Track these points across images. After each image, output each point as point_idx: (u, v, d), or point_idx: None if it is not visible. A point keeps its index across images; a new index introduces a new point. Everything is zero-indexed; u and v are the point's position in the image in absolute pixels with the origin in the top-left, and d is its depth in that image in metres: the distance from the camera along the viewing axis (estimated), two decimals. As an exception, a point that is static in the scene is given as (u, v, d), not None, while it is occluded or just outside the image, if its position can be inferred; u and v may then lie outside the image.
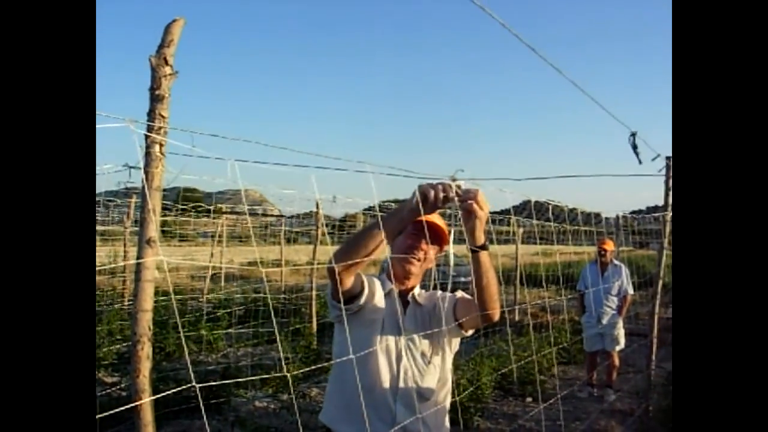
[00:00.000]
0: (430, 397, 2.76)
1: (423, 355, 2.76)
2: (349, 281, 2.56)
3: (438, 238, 2.80)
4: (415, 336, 2.75)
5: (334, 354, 2.85)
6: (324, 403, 2.90)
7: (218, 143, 2.53)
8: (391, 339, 2.72)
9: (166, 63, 2.66)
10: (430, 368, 2.77)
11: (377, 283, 2.79)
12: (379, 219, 2.39)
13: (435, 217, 2.74)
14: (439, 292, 2.91)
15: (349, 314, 2.59)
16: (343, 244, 2.55)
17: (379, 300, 2.75)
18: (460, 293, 2.92)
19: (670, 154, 6.65)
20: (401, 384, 2.69)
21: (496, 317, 2.59)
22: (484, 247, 2.48)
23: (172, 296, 6.71)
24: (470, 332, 2.87)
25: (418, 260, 2.80)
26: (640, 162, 5.78)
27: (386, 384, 2.67)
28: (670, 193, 6.84)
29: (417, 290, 2.91)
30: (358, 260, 2.42)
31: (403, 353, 2.71)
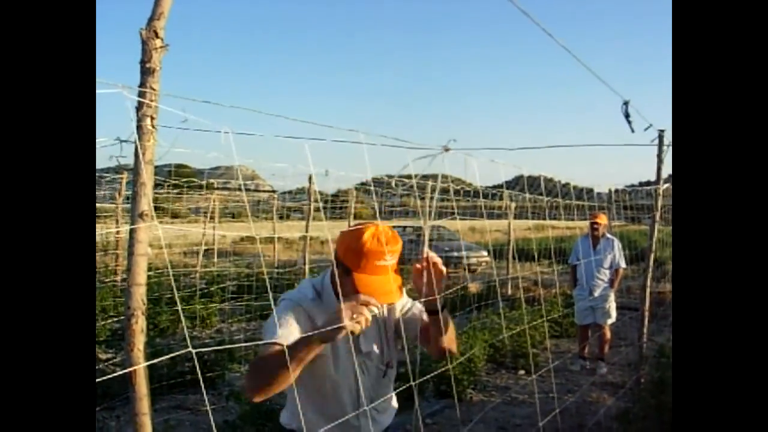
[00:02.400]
0: (388, 399, 2.83)
1: (378, 368, 2.76)
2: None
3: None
4: (371, 354, 2.73)
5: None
6: (284, 414, 2.85)
7: (211, 115, 2.51)
8: (345, 359, 2.62)
9: (157, 36, 2.63)
10: (386, 377, 2.80)
11: (303, 315, 2.57)
12: (287, 351, 2.20)
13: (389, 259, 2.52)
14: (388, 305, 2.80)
15: None
16: (251, 377, 2.41)
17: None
18: (417, 307, 2.82)
19: (662, 127, 6.66)
20: (361, 402, 2.66)
21: (457, 353, 2.75)
22: (441, 310, 2.55)
23: (170, 269, 6.71)
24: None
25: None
26: (632, 130, 5.77)
27: (346, 403, 2.66)
28: (662, 166, 6.85)
29: None
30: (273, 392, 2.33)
31: (359, 371, 2.64)
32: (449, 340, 2.67)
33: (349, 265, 2.49)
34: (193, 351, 1.83)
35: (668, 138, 6.71)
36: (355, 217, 19.94)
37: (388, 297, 2.46)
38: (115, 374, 1.90)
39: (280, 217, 20.74)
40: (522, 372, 8.41)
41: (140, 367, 2.57)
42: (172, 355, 2.46)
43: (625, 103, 5.56)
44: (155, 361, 2.09)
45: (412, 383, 2.58)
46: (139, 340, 2.59)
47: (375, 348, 2.74)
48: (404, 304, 2.85)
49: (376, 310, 2.28)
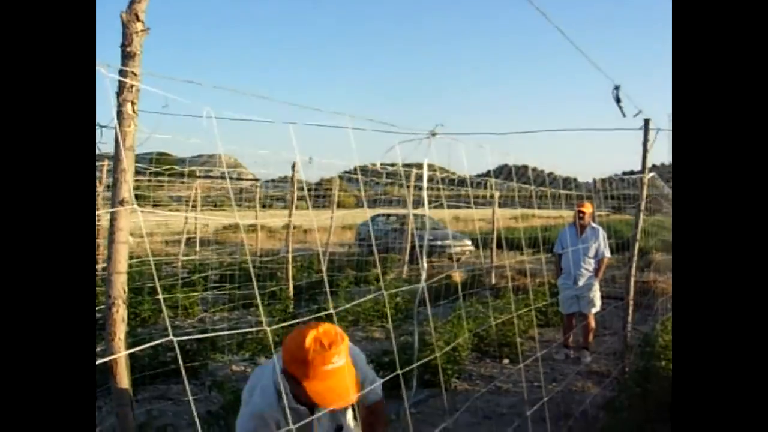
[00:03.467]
0: None
1: None
2: None
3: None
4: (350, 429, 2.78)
5: None
6: None
7: (193, 99, 2.44)
8: None
9: (138, 19, 2.58)
10: None
11: (271, 422, 2.56)
12: None
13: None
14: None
15: None
16: None
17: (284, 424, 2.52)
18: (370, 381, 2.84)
19: (649, 116, 6.66)
20: None
21: None
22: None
23: (150, 258, 6.62)
24: None
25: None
26: (624, 114, 5.79)
27: None
28: (647, 155, 6.84)
29: None
30: None
31: None
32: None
33: (297, 375, 2.43)
34: (174, 339, 1.77)
35: (654, 126, 6.71)
36: (339, 206, 19.90)
37: (343, 399, 2.45)
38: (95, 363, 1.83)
39: (263, 206, 20.63)
40: (506, 361, 8.41)
41: (121, 356, 2.52)
42: (153, 343, 2.38)
43: (616, 88, 5.57)
44: (136, 349, 2.01)
45: (398, 371, 2.52)
46: (120, 330, 2.54)
47: (352, 424, 2.78)
48: (363, 377, 2.80)
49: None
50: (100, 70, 1.86)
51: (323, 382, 2.40)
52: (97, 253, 12.21)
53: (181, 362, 2.23)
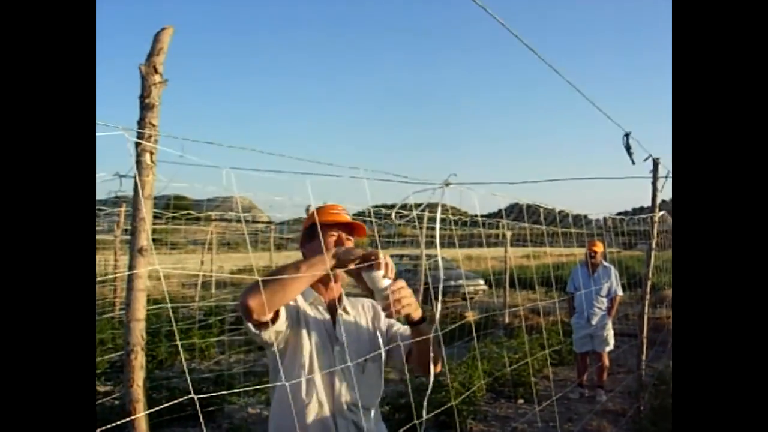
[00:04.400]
0: (367, 404, 2.67)
1: (357, 365, 2.64)
2: (264, 317, 2.36)
3: (355, 231, 2.78)
4: (347, 346, 2.63)
5: (270, 377, 2.74)
6: (269, 426, 2.71)
7: (209, 150, 2.54)
8: (323, 354, 2.60)
9: (156, 71, 2.66)
10: (365, 376, 2.68)
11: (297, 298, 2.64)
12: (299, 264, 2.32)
13: (343, 214, 2.76)
14: (367, 301, 2.88)
15: (273, 344, 2.50)
16: (255, 285, 2.30)
17: (303, 315, 2.63)
18: (397, 325, 2.85)
19: (658, 155, 6.71)
20: (338, 399, 2.59)
21: (440, 369, 2.70)
22: (424, 319, 2.53)
23: (168, 304, 6.69)
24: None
25: None
26: (633, 162, 5.81)
27: (324, 402, 2.57)
28: (658, 194, 6.89)
29: (344, 299, 2.82)
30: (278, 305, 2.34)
31: (337, 366, 2.59)
32: (434, 354, 2.59)
33: (309, 226, 2.69)
34: (196, 397, 1.83)
35: (664, 166, 6.76)
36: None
37: (353, 228, 2.72)
38: (117, 422, 1.88)
39: (277, 247, 20.69)
40: (522, 401, 8.37)
41: (140, 402, 2.57)
42: (173, 402, 2.41)
43: (626, 135, 5.60)
44: (155, 409, 2.06)
45: (416, 422, 2.55)
46: (139, 376, 2.59)
47: (352, 339, 2.67)
48: (391, 322, 2.85)
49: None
50: (124, 134, 1.94)
51: (333, 214, 2.69)
52: (114, 296, 12.33)
53: (200, 415, 2.29)
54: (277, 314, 2.41)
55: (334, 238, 2.68)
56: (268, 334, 2.43)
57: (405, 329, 2.75)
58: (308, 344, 2.57)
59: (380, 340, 2.71)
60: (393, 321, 2.82)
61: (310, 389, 2.55)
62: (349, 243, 2.71)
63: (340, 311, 2.71)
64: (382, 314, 2.83)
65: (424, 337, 2.53)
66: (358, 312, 2.82)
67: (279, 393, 2.55)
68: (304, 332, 2.58)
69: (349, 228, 2.71)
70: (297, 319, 2.59)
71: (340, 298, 2.77)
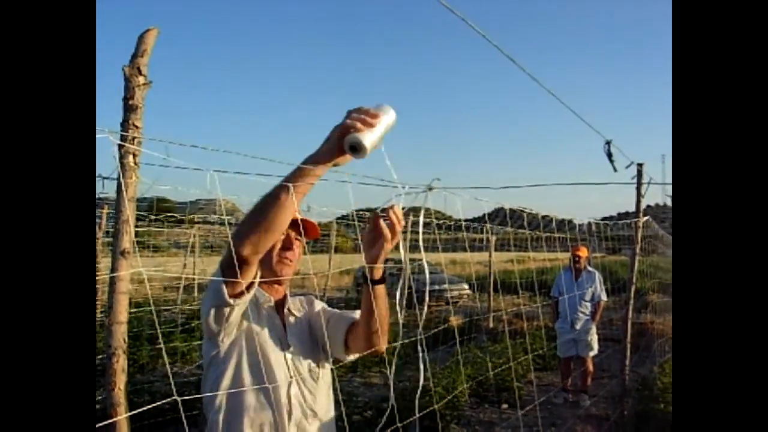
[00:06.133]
0: (323, 415, 2.45)
1: (311, 371, 2.43)
2: (251, 273, 2.09)
3: (307, 231, 2.48)
4: (300, 351, 2.43)
5: (209, 384, 2.34)
6: None
7: (193, 153, 2.50)
8: (276, 362, 2.33)
9: (140, 73, 2.64)
10: (319, 385, 2.46)
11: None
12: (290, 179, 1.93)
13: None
14: (310, 298, 2.67)
15: (232, 331, 2.25)
16: (244, 222, 2.03)
17: (254, 315, 2.35)
18: (337, 311, 2.65)
19: (641, 161, 6.75)
20: (294, 411, 2.34)
21: (384, 349, 2.45)
22: (383, 280, 2.36)
23: (152, 307, 6.65)
24: (351, 357, 2.60)
25: (292, 261, 2.48)
26: (615, 170, 5.87)
27: (279, 414, 2.31)
28: (642, 199, 6.93)
29: (289, 299, 2.56)
30: (269, 242, 2.05)
31: (292, 376, 2.36)
32: (384, 330, 2.37)
33: None
34: (179, 399, 1.80)
35: (647, 173, 6.80)
36: (336, 251, 19.90)
37: (305, 228, 2.42)
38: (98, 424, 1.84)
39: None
40: (505, 406, 8.37)
41: (122, 406, 2.54)
42: (154, 404, 2.33)
43: (608, 143, 5.65)
44: (137, 411, 2.02)
45: (398, 424, 2.48)
46: (120, 380, 2.56)
47: (303, 343, 2.46)
48: (324, 306, 2.65)
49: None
50: (108, 137, 1.92)
51: None
52: (96, 299, 12.23)
53: (183, 418, 2.24)
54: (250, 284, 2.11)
55: (283, 238, 2.42)
56: (238, 312, 2.17)
57: (341, 312, 2.60)
58: (260, 348, 2.28)
59: (323, 327, 2.49)
60: (326, 306, 2.65)
61: (266, 399, 2.29)
62: (298, 244, 2.48)
63: (287, 313, 2.50)
64: (318, 306, 2.62)
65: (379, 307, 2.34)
66: (302, 312, 2.58)
67: (231, 402, 2.27)
68: (257, 336, 2.32)
69: (298, 228, 2.39)
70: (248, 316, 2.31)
71: (284, 299, 2.54)
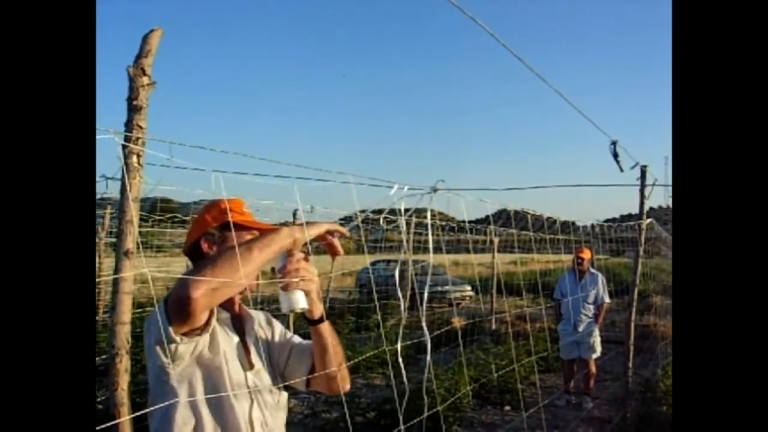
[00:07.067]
0: None
1: (272, 393, 2.23)
2: (203, 316, 1.89)
3: None
4: (261, 372, 2.22)
5: (158, 416, 2.02)
6: None
7: (197, 153, 2.49)
8: (237, 384, 2.08)
9: (144, 73, 2.64)
10: (279, 407, 2.26)
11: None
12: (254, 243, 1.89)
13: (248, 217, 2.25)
14: (261, 314, 2.43)
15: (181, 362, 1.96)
16: (207, 269, 1.80)
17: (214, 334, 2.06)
18: (299, 340, 2.41)
19: (645, 162, 6.74)
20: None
21: (348, 388, 2.32)
22: (323, 318, 2.19)
23: (156, 305, 6.60)
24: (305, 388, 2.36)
25: None
26: (621, 170, 5.84)
27: None
28: (645, 201, 6.91)
29: (249, 315, 2.33)
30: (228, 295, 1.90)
31: (253, 398, 2.13)
32: (342, 374, 2.25)
33: (219, 221, 2.16)
34: (181, 401, 1.78)
35: (651, 174, 6.79)
36: (339, 252, 19.83)
37: (268, 225, 2.23)
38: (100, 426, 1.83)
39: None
40: (508, 408, 8.36)
41: (124, 406, 2.54)
42: (160, 405, 2.21)
43: (613, 143, 5.62)
44: (139, 413, 1.98)
45: (401, 427, 2.41)
46: (123, 380, 2.56)
47: (263, 365, 2.25)
48: (283, 329, 2.45)
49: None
50: (114, 138, 1.91)
51: (244, 213, 2.21)
52: (98, 299, 12.22)
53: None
54: (210, 315, 1.92)
55: None
56: (190, 346, 1.93)
57: (304, 344, 2.36)
58: (222, 371, 2.04)
59: (285, 356, 2.34)
60: (283, 329, 2.45)
61: (226, 425, 2.04)
62: None
63: (248, 330, 2.27)
64: (277, 328, 2.43)
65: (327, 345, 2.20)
66: (262, 328, 2.36)
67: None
68: (214, 357, 2.05)
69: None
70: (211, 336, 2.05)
71: (243, 314, 2.31)
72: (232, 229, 2.03)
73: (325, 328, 2.20)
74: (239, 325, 2.24)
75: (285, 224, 1.94)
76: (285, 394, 2.30)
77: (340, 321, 13.74)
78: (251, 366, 2.17)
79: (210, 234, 2.18)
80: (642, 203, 6.91)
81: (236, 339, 2.17)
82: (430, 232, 2.67)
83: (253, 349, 2.22)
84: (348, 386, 2.32)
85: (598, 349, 8.77)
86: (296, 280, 2.01)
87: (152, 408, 1.83)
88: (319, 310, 2.16)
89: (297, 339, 2.41)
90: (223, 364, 2.03)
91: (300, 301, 2.01)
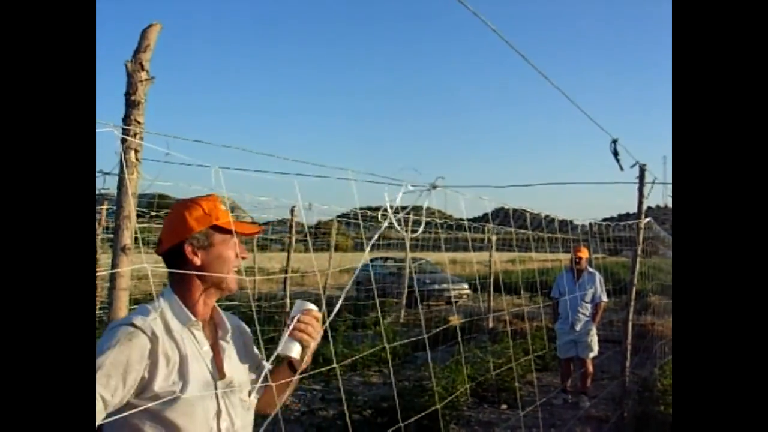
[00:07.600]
0: None
1: (242, 401, 2.15)
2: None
3: (245, 233, 2.22)
4: (234, 381, 2.11)
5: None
6: None
7: (195, 148, 2.48)
8: (205, 395, 1.96)
9: (142, 68, 2.62)
10: (249, 412, 2.21)
11: (144, 339, 1.87)
12: None
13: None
14: (233, 317, 2.34)
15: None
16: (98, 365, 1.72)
17: (169, 355, 1.92)
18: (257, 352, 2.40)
19: (644, 161, 6.73)
20: None
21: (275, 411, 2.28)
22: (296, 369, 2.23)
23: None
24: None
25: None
26: (621, 168, 5.84)
27: None
28: (644, 200, 6.91)
29: (221, 316, 2.24)
30: None
31: (222, 406, 2.04)
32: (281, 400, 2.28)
33: (205, 224, 2.07)
34: (180, 396, 1.77)
35: (650, 172, 6.78)
36: (336, 249, 19.87)
37: (254, 227, 2.23)
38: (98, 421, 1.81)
39: (261, 248, 20.61)
40: (505, 406, 8.35)
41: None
42: (157, 402, 2.13)
43: (614, 142, 5.62)
44: (140, 409, 1.96)
45: (401, 424, 2.43)
46: (120, 377, 2.54)
47: (236, 369, 2.17)
48: (251, 340, 2.44)
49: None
50: (113, 131, 1.90)
51: (224, 212, 2.12)
52: (96, 295, 12.20)
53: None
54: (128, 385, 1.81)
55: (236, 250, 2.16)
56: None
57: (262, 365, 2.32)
58: (189, 386, 1.92)
59: (261, 367, 2.30)
60: (250, 333, 2.42)
61: None
62: (245, 255, 2.20)
63: (221, 334, 2.18)
64: (247, 331, 2.41)
65: (286, 380, 2.25)
66: (234, 332, 2.26)
67: None
68: (181, 373, 1.93)
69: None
70: (160, 370, 1.88)
71: (216, 316, 2.22)
72: (235, 234, 2.12)
73: (296, 379, 2.28)
74: (210, 328, 2.16)
75: (282, 221, 1.94)
76: (252, 397, 2.22)
77: (338, 318, 13.72)
78: (223, 375, 2.07)
79: (194, 238, 2.07)
80: (641, 202, 6.91)
81: (206, 346, 2.06)
82: (421, 228, 2.66)
83: (225, 356, 2.13)
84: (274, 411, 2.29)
85: (596, 348, 8.77)
86: (301, 333, 2.15)
87: (113, 418, 1.76)
88: (305, 364, 2.24)
89: (257, 353, 2.41)
90: (188, 379, 1.92)
91: (294, 351, 2.17)
